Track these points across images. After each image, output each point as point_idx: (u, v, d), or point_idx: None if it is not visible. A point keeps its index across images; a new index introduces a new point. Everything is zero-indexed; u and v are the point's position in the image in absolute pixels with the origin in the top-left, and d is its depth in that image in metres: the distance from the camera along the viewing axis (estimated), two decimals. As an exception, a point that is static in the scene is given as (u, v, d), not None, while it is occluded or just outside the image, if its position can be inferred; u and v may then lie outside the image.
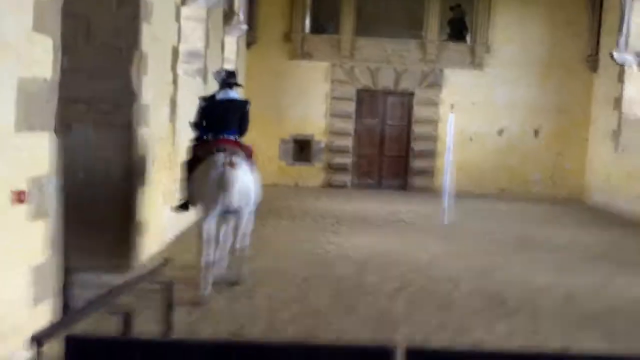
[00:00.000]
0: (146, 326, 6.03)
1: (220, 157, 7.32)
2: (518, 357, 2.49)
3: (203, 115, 8.02)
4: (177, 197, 10.35)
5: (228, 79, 8.08)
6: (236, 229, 7.81)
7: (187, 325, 6.26)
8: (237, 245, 7.86)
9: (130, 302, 6.47)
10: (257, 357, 2.31)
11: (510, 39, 18.48)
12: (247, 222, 7.82)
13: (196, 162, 7.74)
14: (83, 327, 4.60)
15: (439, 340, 6.20)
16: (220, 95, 8.00)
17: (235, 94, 8.13)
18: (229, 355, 2.31)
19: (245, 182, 7.40)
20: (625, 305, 7.59)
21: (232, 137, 7.89)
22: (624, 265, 9.80)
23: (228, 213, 7.54)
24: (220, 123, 7.86)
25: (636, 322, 7.00)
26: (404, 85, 18.68)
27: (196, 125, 8.14)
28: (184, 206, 8.22)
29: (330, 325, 6.46)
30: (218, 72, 8.32)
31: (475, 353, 2.69)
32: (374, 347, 2.75)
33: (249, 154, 7.98)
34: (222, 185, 7.15)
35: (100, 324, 5.24)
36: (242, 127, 8.05)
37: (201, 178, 7.41)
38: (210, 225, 7.34)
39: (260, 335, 6.10)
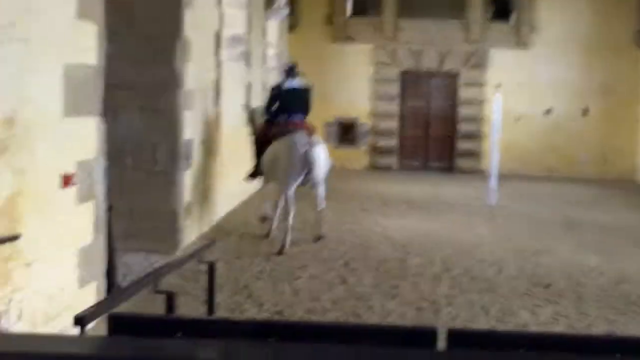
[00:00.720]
0: (192, 306, 6.15)
1: (301, 138, 8.94)
2: (562, 341, 2.44)
3: (273, 100, 9.53)
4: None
5: (291, 70, 9.66)
6: (316, 196, 9.42)
7: (230, 305, 6.33)
8: (318, 208, 9.44)
9: (176, 282, 6.62)
10: (299, 337, 2.32)
11: (555, 17, 18.15)
12: (323, 189, 9.41)
13: (267, 140, 9.33)
14: (128, 307, 4.70)
15: (481, 323, 6.18)
16: (287, 84, 9.53)
17: (299, 82, 9.63)
18: (270, 335, 2.33)
19: (323, 158, 9.09)
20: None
21: (299, 119, 9.45)
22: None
23: (306, 183, 9.15)
24: (290, 107, 9.40)
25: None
26: (448, 66, 18.52)
27: (268, 110, 9.60)
28: (254, 175, 9.97)
29: (373, 308, 6.47)
30: (283, 65, 9.97)
31: (518, 336, 2.66)
32: (416, 329, 2.73)
33: (312, 132, 9.48)
34: (308, 162, 8.82)
35: (146, 305, 5.35)
36: (307, 109, 9.67)
37: (283, 154, 8.93)
38: (293, 193, 8.92)
39: (302, 317, 6.14)
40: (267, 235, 9.32)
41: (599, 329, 6.13)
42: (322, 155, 9.08)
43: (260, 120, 9.96)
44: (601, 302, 6.93)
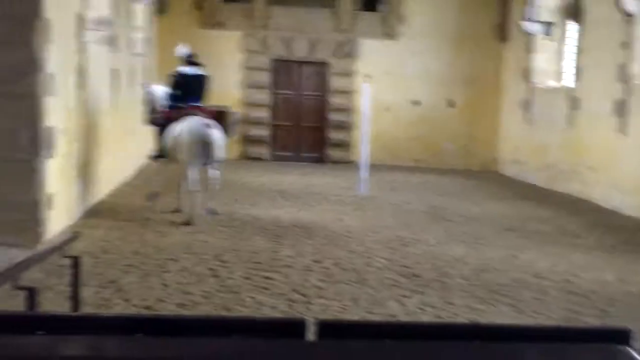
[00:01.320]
0: (56, 302, 5.88)
1: (199, 120, 9.83)
2: (428, 330, 2.46)
3: (175, 87, 10.39)
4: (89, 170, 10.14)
5: (190, 58, 10.62)
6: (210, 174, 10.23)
7: (97, 301, 6.10)
8: (215, 187, 10.36)
9: (39, 277, 6.30)
10: (168, 332, 2.21)
11: (422, 9, 18.52)
12: (218, 167, 10.31)
13: (169, 123, 10.12)
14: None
15: (352, 314, 6.22)
16: (189, 71, 10.43)
17: (197, 70, 10.56)
18: (138, 330, 2.21)
19: (219, 139, 9.97)
20: (532, 278, 7.76)
21: (198, 104, 10.39)
22: (532, 237, 10.01)
23: (206, 164, 9.99)
24: (189, 93, 10.31)
25: (541, 294, 7.17)
26: (319, 55, 18.59)
27: (170, 95, 10.44)
28: (159, 157, 10.61)
29: (244, 300, 6.40)
30: (180, 50, 10.84)
31: (387, 326, 2.67)
32: (286, 320, 2.70)
33: (210, 116, 10.29)
34: (207, 143, 9.67)
35: (6, 301, 5.05)
36: (204, 96, 10.69)
37: (185, 136, 9.73)
38: (195, 171, 9.84)
39: (173, 311, 5.98)
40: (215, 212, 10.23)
41: (463, 317, 6.29)
42: (218, 137, 9.94)
43: (159, 103, 10.67)
44: (466, 290, 7.14)
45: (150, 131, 11.25)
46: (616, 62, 12.68)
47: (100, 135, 11.01)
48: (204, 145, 9.67)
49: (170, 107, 10.36)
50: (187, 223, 9.49)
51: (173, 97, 10.38)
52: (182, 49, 10.90)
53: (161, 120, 10.46)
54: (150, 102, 10.96)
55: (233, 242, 8.68)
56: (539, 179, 15.81)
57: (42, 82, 7.90)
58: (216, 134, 9.89)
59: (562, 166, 14.86)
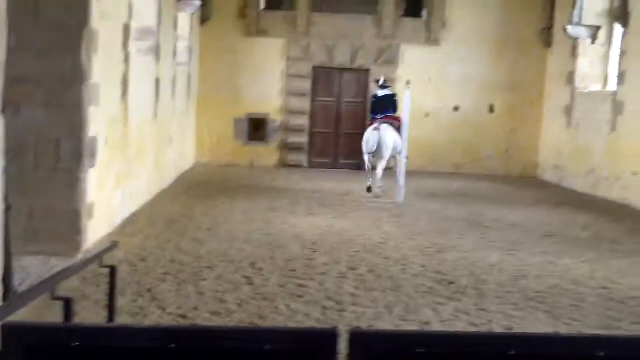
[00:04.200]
0: (93, 311, 6.03)
1: (375, 124, 13.77)
2: (461, 340, 2.50)
3: (373, 105, 14.52)
4: (129, 179, 10.33)
5: (384, 84, 14.67)
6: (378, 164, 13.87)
7: (133, 309, 6.22)
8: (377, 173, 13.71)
9: (76, 287, 6.48)
10: (202, 343, 2.30)
11: (465, 14, 18.49)
12: (385, 161, 13.89)
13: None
14: (25, 314, 4.56)
15: (386, 321, 6.25)
16: (379, 93, 14.49)
17: (388, 91, 14.55)
18: (173, 341, 2.30)
19: (381, 137, 13.51)
20: (569, 285, 7.71)
21: (387, 114, 14.12)
22: (571, 243, 9.94)
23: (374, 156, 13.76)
24: (381, 108, 14.19)
25: (578, 301, 7.12)
26: (361, 61, 18.65)
27: (371, 111, 14.70)
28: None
29: (279, 309, 6.47)
30: (377, 81, 14.91)
31: (419, 336, 2.70)
32: (317, 331, 2.73)
33: (398, 122, 13.87)
34: (368, 139, 13.69)
35: (44, 312, 5.20)
36: (394, 108, 14.35)
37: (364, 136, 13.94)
38: (366, 158, 13.93)
39: (207, 319, 6.08)
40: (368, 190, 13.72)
41: (498, 324, 6.29)
42: (380, 135, 13.49)
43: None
44: (502, 297, 7.11)
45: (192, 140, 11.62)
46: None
47: (141, 144, 11.22)
48: (369, 142, 13.63)
49: (371, 119, 14.40)
50: (368, 190, 13.64)
51: (371, 113, 14.73)
52: (380, 78, 14.98)
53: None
54: None
55: (269, 250, 8.78)
56: (578, 185, 15.65)
57: (86, 92, 8.06)
58: (381, 133, 13.50)
59: (604, 172, 14.69)
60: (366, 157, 13.90)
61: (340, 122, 18.78)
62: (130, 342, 2.28)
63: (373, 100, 14.64)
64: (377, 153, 13.61)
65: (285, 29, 18.49)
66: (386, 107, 14.15)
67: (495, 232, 10.56)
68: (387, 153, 13.61)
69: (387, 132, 13.51)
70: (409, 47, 18.58)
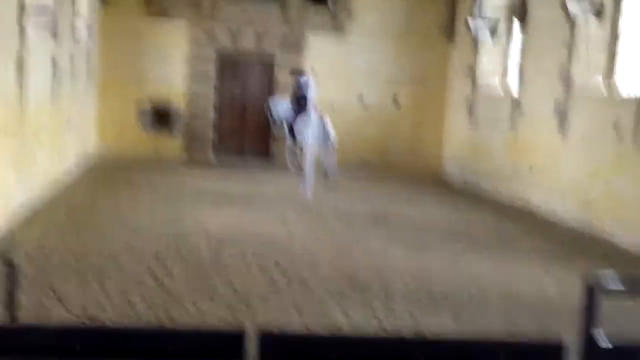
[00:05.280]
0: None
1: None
2: (370, 342, 2.49)
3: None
4: (26, 164, 9.82)
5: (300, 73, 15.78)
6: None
7: (35, 309, 5.89)
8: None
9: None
10: (108, 342, 2.18)
11: (371, 5, 18.51)
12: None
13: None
14: None
15: (295, 322, 6.15)
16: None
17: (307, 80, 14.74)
18: (77, 340, 2.16)
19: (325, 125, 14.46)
20: (472, 285, 7.79)
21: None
22: (473, 243, 10.08)
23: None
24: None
25: (480, 302, 7.21)
26: (265, 47, 18.40)
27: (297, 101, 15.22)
28: None
29: (185, 307, 6.28)
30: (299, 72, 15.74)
31: (328, 338, 2.66)
32: (225, 331, 2.72)
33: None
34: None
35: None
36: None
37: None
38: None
39: (113, 319, 5.83)
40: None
41: (407, 325, 6.28)
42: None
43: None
44: (408, 298, 7.14)
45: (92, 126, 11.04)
46: (559, 63, 12.82)
47: (38, 128, 10.69)
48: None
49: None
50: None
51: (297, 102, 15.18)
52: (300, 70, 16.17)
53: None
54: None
55: (174, 246, 8.49)
56: (479, 183, 15.95)
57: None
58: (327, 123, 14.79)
59: (504, 168, 15.00)
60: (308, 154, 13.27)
61: (246, 109, 18.45)
62: (34, 342, 2.18)
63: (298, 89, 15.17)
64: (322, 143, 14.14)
65: (190, 12, 18.04)
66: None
67: (400, 231, 10.55)
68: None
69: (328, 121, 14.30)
70: (315, 35, 18.46)
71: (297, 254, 8.58)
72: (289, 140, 15.79)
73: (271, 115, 16.10)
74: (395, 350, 2.35)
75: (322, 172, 14.28)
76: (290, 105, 15.53)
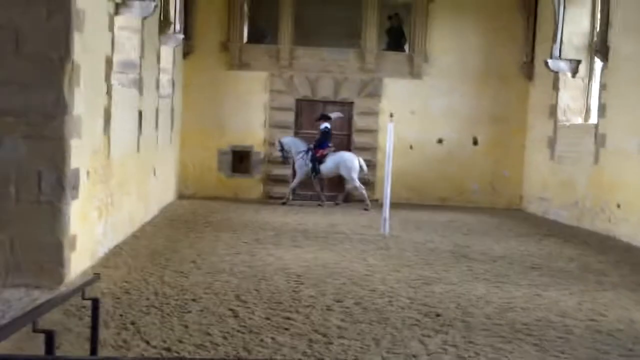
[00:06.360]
0: (76, 344, 5.91)
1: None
2: None
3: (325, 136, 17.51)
4: (113, 211, 10.26)
5: (325, 117, 17.49)
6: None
7: (117, 342, 6.10)
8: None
9: (59, 319, 6.36)
10: None
11: (447, 48, 18.66)
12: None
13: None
14: (5, 347, 4.46)
15: (373, 354, 6.17)
16: (322, 127, 17.46)
17: (328, 125, 17.48)
18: None
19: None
20: (556, 317, 7.66)
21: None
22: (556, 276, 9.89)
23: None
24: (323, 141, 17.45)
25: (566, 334, 7.07)
26: (344, 95, 18.71)
27: (321, 142, 17.51)
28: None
29: (264, 341, 6.37)
30: (327, 117, 17.66)
31: None
32: None
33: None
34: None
35: (26, 345, 5.09)
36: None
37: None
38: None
39: (192, 352, 5.97)
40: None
41: (486, 357, 6.22)
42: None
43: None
44: (489, 330, 7.04)
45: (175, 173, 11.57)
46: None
47: (123, 176, 11.14)
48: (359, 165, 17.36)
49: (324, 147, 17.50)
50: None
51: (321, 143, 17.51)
52: (330, 113, 17.79)
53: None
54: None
55: (254, 282, 8.67)
56: (562, 217, 15.70)
57: (69, 124, 8.00)
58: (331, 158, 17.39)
59: (588, 204, 14.74)
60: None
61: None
62: None
63: (325, 131, 17.46)
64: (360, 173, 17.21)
65: (268, 62, 18.55)
66: (328, 139, 17.44)
67: (481, 264, 10.51)
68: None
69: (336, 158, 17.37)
70: (392, 80, 18.68)
71: (376, 289, 8.60)
72: (303, 176, 17.53)
73: (282, 149, 17.49)
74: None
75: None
76: (305, 143, 17.53)
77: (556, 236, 13.76)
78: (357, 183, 17.15)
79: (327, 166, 17.23)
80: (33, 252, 7.69)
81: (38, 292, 7.22)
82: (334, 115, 17.74)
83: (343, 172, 17.21)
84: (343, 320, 7.16)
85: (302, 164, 17.30)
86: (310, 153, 17.27)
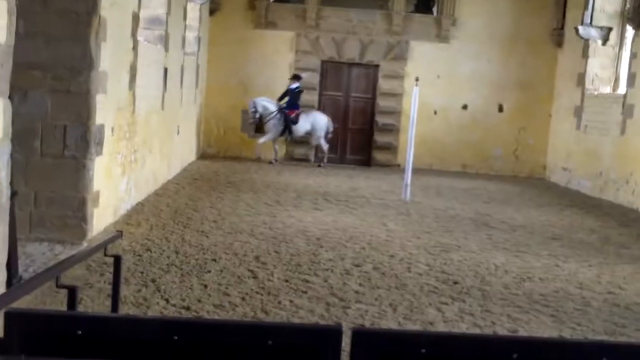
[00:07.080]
0: (97, 300, 6.00)
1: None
2: (464, 341, 2.47)
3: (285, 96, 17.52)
4: (136, 168, 10.33)
5: (295, 77, 17.58)
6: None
7: (137, 300, 6.19)
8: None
9: (81, 274, 6.45)
10: (205, 336, 2.29)
11: (476, 11, 18.39)
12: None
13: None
14: (29, 301, 4.54)
15: (389, 319, 6.21)
16: (293, 86, 17.44)
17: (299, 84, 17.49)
18: (176, 333, 2.28)
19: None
20: (574, 289, 7.66)
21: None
22: (576, 247, 9.87)
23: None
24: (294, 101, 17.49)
25: (583, 306, 7.07)
26: (369, 57, 18.57)
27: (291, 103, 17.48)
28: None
29: (282, 303, 6.44)
30: (297, 77, 17.64)
31: (421, 336, 2.67)
32: (320, 328, 2.75)
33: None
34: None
35: (48, 299, 5.18)
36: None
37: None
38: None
39: (210, 312, 6.05)
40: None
41: (502, 326, 6.24)
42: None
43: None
44: (506, 299, 7.07)
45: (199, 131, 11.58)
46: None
47: (148, 134, 11.19)
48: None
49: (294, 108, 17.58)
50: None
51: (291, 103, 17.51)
52: (299, 74, 17.80)
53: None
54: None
55: (273, 244, 8.73)
56: (586, 187, 15.60)
57: (95, 79, 8.01)
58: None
59: (612, 175, 14.62)
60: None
61: (348, 117, 18.72)
62: (134, 333, 2.27)
63: (297, 91, 17.52)
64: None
65: (295, 22, 18.42)
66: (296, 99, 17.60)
67: (501, 233, 10.49)
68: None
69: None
70: (419, 43, 18.49)
71: (395, 254, 8.64)
72: (275, 135, 17.61)
73: (255, 110, 17.33)
74: (488, 348, 2.34)
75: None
76: (276, 103, 17.53)
77: (578, 207, 13.70)
78: (324, 142, 17.74)
79: (302, 126, 17.55)
80: (56, 207, 7.77)
81: (60, 247, 7.32)
82: (304, 75, 17.91)
83: (317, 132, 17.67)
84: (361, 285, 7.21)
85: (275, 123, 17.41)
86: (282, 114, 17.43)
